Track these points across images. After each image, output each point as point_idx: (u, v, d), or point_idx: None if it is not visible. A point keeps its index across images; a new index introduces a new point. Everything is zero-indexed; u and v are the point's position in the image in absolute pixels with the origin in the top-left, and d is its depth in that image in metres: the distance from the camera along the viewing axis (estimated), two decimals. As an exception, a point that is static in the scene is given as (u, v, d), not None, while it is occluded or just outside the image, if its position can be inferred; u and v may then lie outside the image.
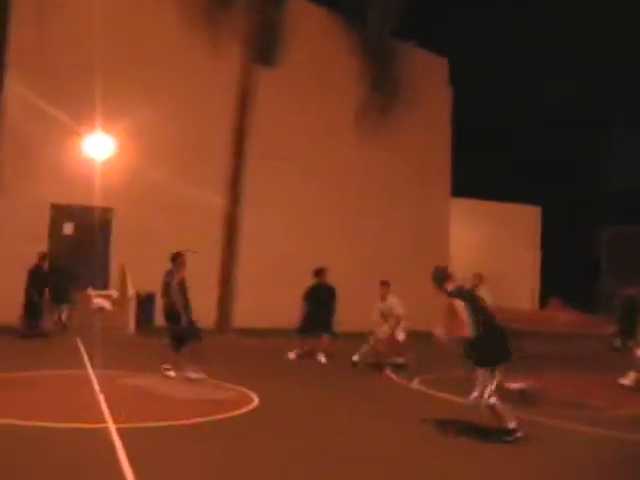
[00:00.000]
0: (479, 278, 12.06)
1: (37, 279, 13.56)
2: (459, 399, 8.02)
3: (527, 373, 10.68)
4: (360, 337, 11.45)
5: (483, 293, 11.76)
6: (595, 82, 29.66)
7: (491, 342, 6.31)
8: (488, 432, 6.35)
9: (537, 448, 6.24)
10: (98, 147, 16.92)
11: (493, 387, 6.27)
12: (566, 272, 28.19)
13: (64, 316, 14.75)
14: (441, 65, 22.13)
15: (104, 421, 6.37)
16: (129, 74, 16.46)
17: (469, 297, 6.49)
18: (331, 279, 12.34)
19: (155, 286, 16.07)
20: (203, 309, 15.78)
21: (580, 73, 29.35)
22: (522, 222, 29.82)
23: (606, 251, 25.07)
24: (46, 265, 13.82)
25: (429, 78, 20.14)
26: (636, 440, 6.76)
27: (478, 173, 27.34)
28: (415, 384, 9.65)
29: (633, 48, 27.13)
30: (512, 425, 6.24)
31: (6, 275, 14.59)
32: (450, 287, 6.53)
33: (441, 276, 6.65)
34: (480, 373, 6.32)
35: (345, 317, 12.42)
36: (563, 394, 9.20)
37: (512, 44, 31.45)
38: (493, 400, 6.26)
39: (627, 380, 9.83)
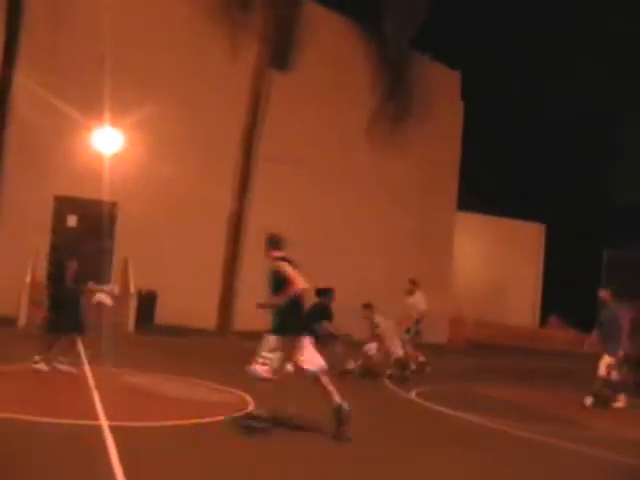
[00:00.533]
0: (414, 284, 12.23)
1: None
2: (458, 413, 7.97)
3: (520, 388, 10.65)
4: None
5: (418, 298, 12.02)
6: (603, 100, 29.64)
7: (291, 313, 6.43)
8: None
9: (538, 466, 6.16)
10: (106, 141, 16.91)
11: (276, 358, 6.37)
12: (567, 290, 28.11)
13: None
14: (454, 78, 22.10)
15: (97, 418, 6.31)
16: (140, 70, 16.47)
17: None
18: (336, 285, 12.08)
19: (157, 283, 16.16)
20: (204, 310, 15.86)
21: (588, 91, 29.36)
22: (526, 239, 29.76)
23: (606, 272, 25.04)
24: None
25: (442, 91, 20.10)
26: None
27: (485, 188, 27.28)
28: (412, 396, 9.57)
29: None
30: (258, 412, 6.36)
31: (10, 265, 14.59)
32: (277, 254, 6.70)
33: (275, 241, 6.84)
34: (271, 339, 6.42)
35: (350, 323, 12.26)
36: (557, 411, 9.21)
37: (523, 59, 31.47)
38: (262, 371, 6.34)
39: (619, 403, 9.97)
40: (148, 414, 6.81)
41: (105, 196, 16.10)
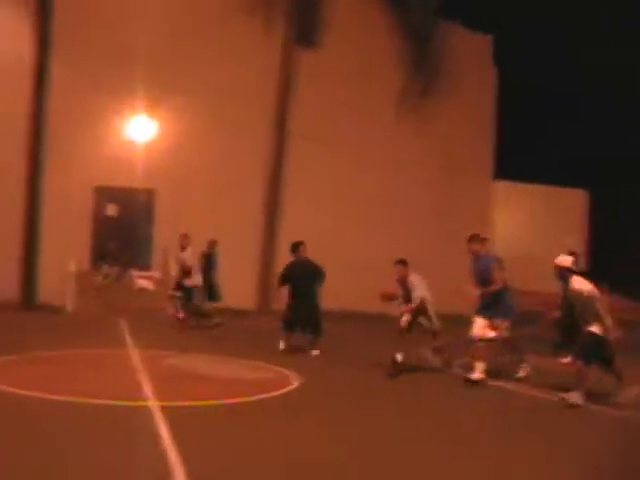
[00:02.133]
0: (186, 239, 12.67)
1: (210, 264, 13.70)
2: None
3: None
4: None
5: (188, 255, 12.62)
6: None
7: None
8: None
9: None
10: (140, 129, 17.07)
11: None
12: (614, 258, 27.31)
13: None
14: (486, 44, 21.53)
15: (146, 399, 6.40)
16: (171, 56, 16.52)
17: None
18: (368, 265, 11.83)
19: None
20: (243, 292, 15.95)
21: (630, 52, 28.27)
22: (568, 206, 29.08)
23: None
24: (216, 251, 13.81)
25: (473, 57, 19.64)
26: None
27: (523, 156, 26.70)
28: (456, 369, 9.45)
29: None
30: None
31: (54, 256, 14.91)
32: None
33: None
34: None
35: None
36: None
37: (560, 21, 30.46)
38: None
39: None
40: (198, 394, 6.86)
41: (142, 184, 16.29)
